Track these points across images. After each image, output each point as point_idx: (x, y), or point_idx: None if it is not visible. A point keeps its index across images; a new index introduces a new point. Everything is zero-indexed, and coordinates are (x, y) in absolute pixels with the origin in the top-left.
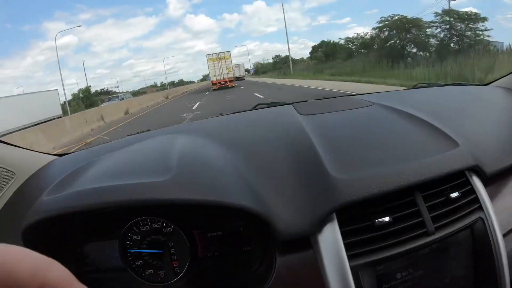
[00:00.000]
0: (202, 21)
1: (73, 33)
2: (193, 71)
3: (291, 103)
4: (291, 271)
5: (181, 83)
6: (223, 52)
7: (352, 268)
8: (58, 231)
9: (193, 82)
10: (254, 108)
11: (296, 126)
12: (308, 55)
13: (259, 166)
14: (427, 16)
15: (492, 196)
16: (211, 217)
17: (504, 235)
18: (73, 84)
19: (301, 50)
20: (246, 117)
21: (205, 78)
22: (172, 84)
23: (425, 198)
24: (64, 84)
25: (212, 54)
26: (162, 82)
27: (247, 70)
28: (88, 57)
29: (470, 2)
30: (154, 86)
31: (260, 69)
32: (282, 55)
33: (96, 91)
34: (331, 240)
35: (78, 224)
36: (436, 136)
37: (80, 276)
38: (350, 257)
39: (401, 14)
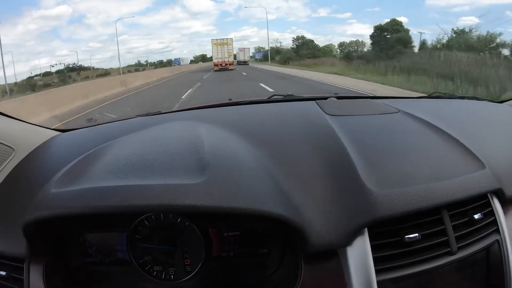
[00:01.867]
0: (201, 2)
1: (68, 3)
2: (187, 51)
3: (313, 99)
4: (316, 281)
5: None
6: (226, 38)
7: (379, 283)
8: (61, 221)
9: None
10: (270, 99)
11: (325, 128)
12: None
13: (290, 169)
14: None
15: (506, 217)
16: (232, 217)
17: None
18: (64, 56)
19: (296, 40)
20: (266, 110)
21: (198, 59)
22: (160, 63)
23: (450, 217)
24: (56, 56)
25: (217, 39)
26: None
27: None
28: (82, 29)
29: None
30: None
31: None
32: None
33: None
34: (360, 253)
35: (86, 217)
36: (464, 154)
37: (81, 267)
38: (377, 272)
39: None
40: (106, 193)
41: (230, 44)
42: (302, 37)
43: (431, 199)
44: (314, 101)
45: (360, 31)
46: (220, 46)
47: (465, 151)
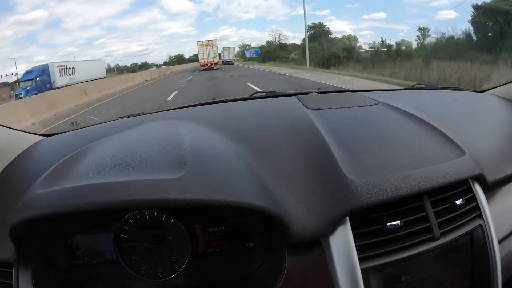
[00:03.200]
0: (179, 2)
1: (43, 8)
2: (166, 53)
3: (294, 94)
4: (300, 271)
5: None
6: (211, 40)
7: (362, 270)
8: (47, 223)
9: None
10: (252, 96)
11: (305, 121)
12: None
13: (270, 162)
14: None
15: (489, 204)
16: (214, 212)
17: (499, 242)
18: (41, 62)
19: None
20: (248, 107)
21: (173, 60)
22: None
23: (432, 203)
24: (33, 62)
25: (202, 41)
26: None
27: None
28: (59, 34)
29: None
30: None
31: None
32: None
33: None
34: (342, 242)
35: (71, 217)
36: (444, 142)
37: (69, 269)
38: (361, 260)
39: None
40: (87, 191)
41: (215, 45)
42: (320, 25)
43: (411, 186)
44: (295, 96)
45: (339, 28)
46: (205, 47)
47: (445, 139)
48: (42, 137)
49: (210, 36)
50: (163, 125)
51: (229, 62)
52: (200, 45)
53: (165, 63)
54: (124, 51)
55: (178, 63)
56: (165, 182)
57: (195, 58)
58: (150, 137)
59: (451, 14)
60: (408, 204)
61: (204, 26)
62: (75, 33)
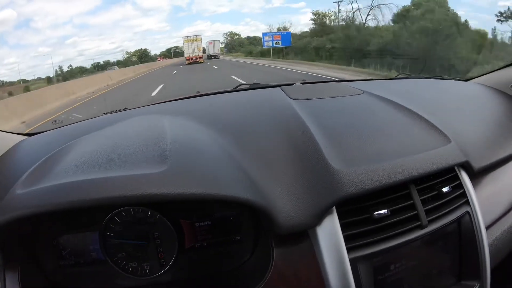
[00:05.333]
0: None
1: (12, 7)
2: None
3: (278, 86)
4: (289, 263)
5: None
6: (196, 35)
7: (351, 260)
8: (31, 224)
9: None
10: (236, 89)
11: (289, 112)
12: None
13: (254, 154)
14: None
15: (476, 191)
16: (200, 206)
17: (487, 228)
18: (12, 64)
19: (252, 32)
20: (232, 99)
21: (131, 58)
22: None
23: (419, 191)
24: (4, 64)
25: (187, 36)
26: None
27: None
28: (30, 34)
29: None
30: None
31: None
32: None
33: None
34: (330, 232)
35: (55, 216)
36: (430, 130)
37: (57, 270)
38: (349, 250)
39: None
40: (68, 189)
41: (199, 40)
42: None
43: (397, 175)
44: (279, 88)
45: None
46: (190, 42)
47: (430, 127)
48: (24, 137)
49: (185, 32)
50: (146, 119)
51: (215, 56)
52: (185, 40)
53: (119, 63)
54: (97, 49)
55: (141, 62)
56: (147, 177)
57: (166, 54)
58: (132, 132)
59: None
60: (395, 192)
61: (178, 22)
62: (46, 32)
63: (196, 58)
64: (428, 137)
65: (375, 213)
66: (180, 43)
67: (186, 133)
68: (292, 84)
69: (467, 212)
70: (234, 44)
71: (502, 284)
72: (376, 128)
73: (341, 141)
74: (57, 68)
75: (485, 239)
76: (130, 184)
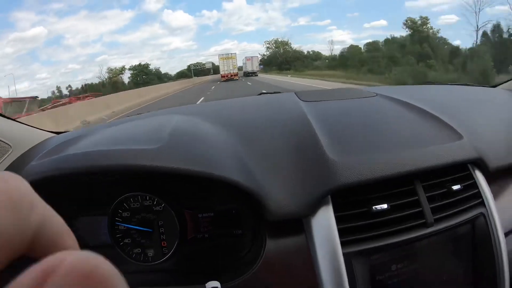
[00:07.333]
0: (180, 17)
1: (43, 25)
2: (168, 68)
3: (295, 92)
4: (281, 255)
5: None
6: (231, 53)
7: (345, 255)
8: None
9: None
10: (258, 95)
11: (296, 111)
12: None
13: (255, 146)
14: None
15: (495, 194)
16: (204, 197)
17: (506, 234)
18: (44, 79)
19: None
20: (248, 102)
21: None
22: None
23: (425, 188)
24: (36, 79)
25: (223, 54)
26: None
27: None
28: (60, 51)
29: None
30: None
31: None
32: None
33: None
34: (324, 224)
35: (67, 196)
36: (440, 127)
37: None
38: (343, 244)
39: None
40: (74, 158)
41: (234, 58)
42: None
43: (398, 166)
44: (293, 92)
45: (340, 37)
46: (226, 60)
47: (441, 125)
48: (52, 134)
49: (212, 50)
50: (160, 117)
51: (252, 74)
52: (221, 58)
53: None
54: (126, 67)
55: (135, 85)
56: (143, 151)
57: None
58: (141, 124)
59: (454, 18)
60: (398, 188)
61: (205, 40)
62: (76, 50)
63: (231, 76)
64: (438, 133)
65: (373, 207)
66: (205, 60)
67: (188, 123)
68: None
69: (482, 213)
70: (289, 58)
71: None
72: (382, 125)
73: (343, 135)
74: (86, 82)
75: (504, 245)
76: (128, 156)
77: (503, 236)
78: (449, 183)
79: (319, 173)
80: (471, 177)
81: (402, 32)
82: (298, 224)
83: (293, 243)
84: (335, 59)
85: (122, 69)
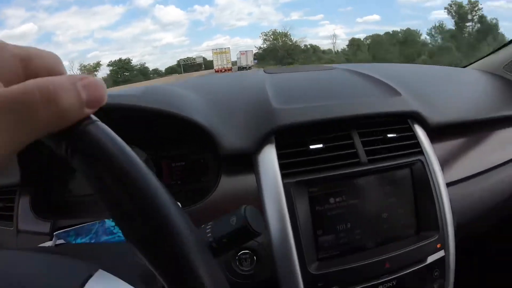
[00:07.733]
0: (171, 12)
1: (33, 21)
2: (160, 64)
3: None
4: (232, 185)
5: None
6: (224, 48)
7: (285, 185)
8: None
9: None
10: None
11: (257, 78)
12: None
13: (214, 99)
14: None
15: (442, 151)
16: (177, 148)
17: (448, 184)
18: None
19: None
20: (223, 76)
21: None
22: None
23: (362, 136)
24: None
25: (216, 49)
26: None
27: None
28: (51, 48)
29: None
30: None
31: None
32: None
33: None
34: (268, 159)
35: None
36: (384, 89)
37: (62, 198)
38: (283, 176)
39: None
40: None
41: (228, 53)
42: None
43: (334, 112)
44: (262, 68)
45: (334, 32)
46: (219, 55)
47: (386, 87)
48: None
49: (204, 45)
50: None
51: (247, 68)
52: (214, 52)
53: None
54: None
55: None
56: (128, 95)
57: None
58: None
59: (444, 14)
60: (336, 133)
61: (198, 35)
62: (67, 46)
63: (225, 70)
64: (379, 91)
65: (310, 146)
66: (196, 55)
67: (167, 86)
68: None
69: (420, 160)
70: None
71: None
72: (327, 84)
73: (289, 91)
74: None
75: (444, 191)
76: (115, 96)
77: (444, 183)
78: (385, 132)
79: (264, 117)
80: (410, 130)
81: (395, 27)
82: (248, 162)
83: (243, 177)
84: (353, 52)
85: (97, 65)
